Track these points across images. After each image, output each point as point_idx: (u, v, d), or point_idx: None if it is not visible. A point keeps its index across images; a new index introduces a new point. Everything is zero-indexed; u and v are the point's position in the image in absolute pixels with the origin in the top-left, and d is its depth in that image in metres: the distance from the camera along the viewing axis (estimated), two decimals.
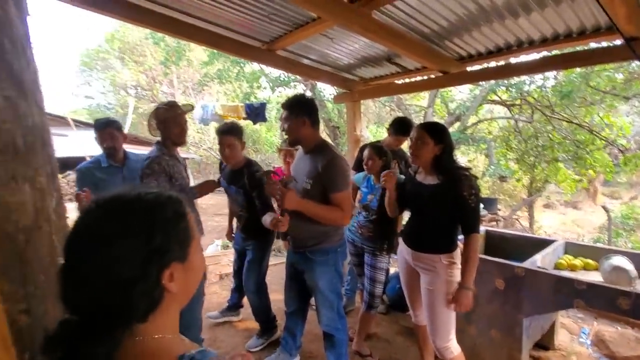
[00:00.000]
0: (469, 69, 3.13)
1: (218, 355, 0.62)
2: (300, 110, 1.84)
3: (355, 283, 3.15)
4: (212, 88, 14.09)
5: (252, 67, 10.25)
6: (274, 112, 11.35)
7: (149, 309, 0.59)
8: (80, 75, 24.93)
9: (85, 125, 10.54)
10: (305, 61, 3.52)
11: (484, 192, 12.69)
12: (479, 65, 3.11)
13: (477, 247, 1.76)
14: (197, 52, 12.22)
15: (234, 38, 3.06)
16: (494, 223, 3.25)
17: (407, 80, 3.60)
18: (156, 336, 0.60)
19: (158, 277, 0.58)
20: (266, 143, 19.66)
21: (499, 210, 3.37)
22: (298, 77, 8.84)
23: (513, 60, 3.06)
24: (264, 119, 4.10)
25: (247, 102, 4.41)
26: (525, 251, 2.69)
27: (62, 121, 9.32)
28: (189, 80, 18.61)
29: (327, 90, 9.98)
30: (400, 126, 2.87)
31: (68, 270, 0.56)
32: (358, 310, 3.14)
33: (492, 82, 8.77)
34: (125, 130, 3.02)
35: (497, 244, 2.95)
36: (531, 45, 2.79)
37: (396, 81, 3.69)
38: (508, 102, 9.28)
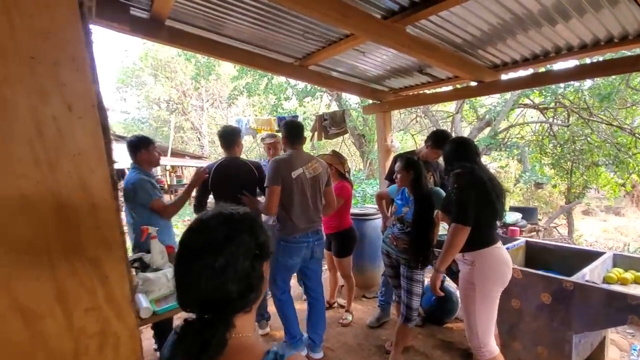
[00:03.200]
0: (503, 77, 3.08)
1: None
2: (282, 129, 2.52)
3: (390, 294, 3.14)
4: (240, 101, 14.50)
5: (279, 79, 10.50)
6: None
7: (256, 297, 0.75)
8: (117, 91, 26.38)
9: (120, 138, 11.19)
10: (335, 74, 3.58)
11: (517, 200, 12.24)
12: (513, 72, 3.06)
13: (457, 239, 1.88)
14: (226, 66, 12.64)
15: (267, 55, 3.17)
16: (534, 234, 3.14)
17: (438, 90, 3.58)
18: (247, 335, 0.73)
19: (261, 271, 0.75)
20: None
21: (539, 219, 3.25)
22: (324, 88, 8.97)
23: (550, 67, 2.99)
24: None
25: (279, 115, 4.54)
26: (570, 263, 2.59)
27: None
28: (217, 93, 19.24)
29: (352, 99, 10.03)
30: (440, 140, 2.83)
31: (198, 269, 0.69)
32: (393, 322, 3.12)
33: None
34: (169, 145, 3.15)
35: (539, 256, 2.85)
36: (570, 51, 2.72)
37: (426, 91, 3.69)
38: (541, 106, 8.96)
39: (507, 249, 2.70)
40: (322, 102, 10.87)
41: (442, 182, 2.98)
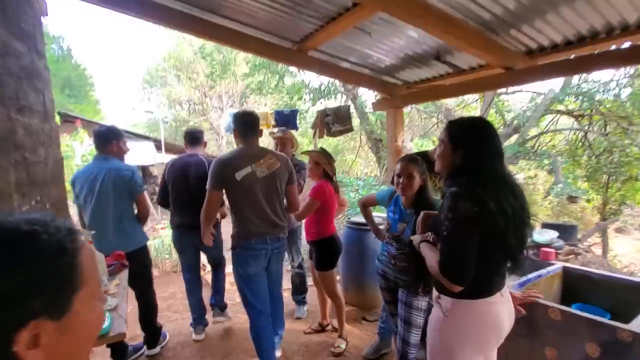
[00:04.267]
0: (540, 64, 2.55)
1: None
2: (233, 122, 2.22)
3: (391, 321, 2.63)
4: (254, 100, 14.29)
5: (295, 78, 10.18)
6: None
7: None
8: (142, 92, 27.02)
9: (139, 137, 11.22)
10: (341, 63, 3.14)
11: (544, 214, 11.37)
12: (555, 59, 2.51)
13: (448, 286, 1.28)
14: (243, 66, 12.46)
15: (261, 38, 2.78)
16: (571, 256, 2.57)
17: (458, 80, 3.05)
18: None
19: (7, 341, 0.41)
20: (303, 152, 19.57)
21: (579, 240, 2.69)
22: (340, 87, 8.54)
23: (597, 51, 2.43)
24: (294, 127, 3.78)
25: (277, 109, 4.12)
26: (622, 299, 2.02)
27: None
28: (234, 93, 19.19)
29: (369, 101, 9.56)
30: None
31: None
32: (394, 354, 2.61)
33: (556, 90, 7.82)
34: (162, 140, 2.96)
35: (579, 287, 2.28)
36: (625, 31, 2.17)
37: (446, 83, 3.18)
38: (576, 113, 8.20)
39: (540, 277, 2.16)
40: (338, 103, 10.46)
41: None
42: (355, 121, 8.79)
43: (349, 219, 3.59)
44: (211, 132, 24.58)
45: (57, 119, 6.21)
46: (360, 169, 18.86)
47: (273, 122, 3.77)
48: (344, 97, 9.13)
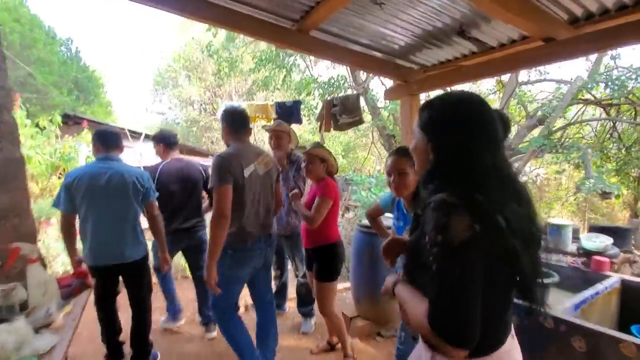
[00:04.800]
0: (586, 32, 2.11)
1: None
2: (221, 118, 2.09)
3: (411, 341, 2.25)
4: (262, 96, 14.01)
5: (303, 74, 9.81)
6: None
7: None
8: (155, 93, 27.15)
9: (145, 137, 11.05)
10: (348, 45, 2.76)
11: (569, 211, 10.74)
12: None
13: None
14: (250, 62, 12.18)
15: (256, 17, 2.43)
16: (626, 265, 2.14)
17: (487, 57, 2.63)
18: None
19: None
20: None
21: (634, 245, 2.26)
22: (350, 81, 8.13)
23: None
24: (298, 120, 3.43)
25: (278, 101, 3.77)
26: None
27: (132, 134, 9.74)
28: (243, 91, 18.96)
29: (380, 94, 9.12)
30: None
31: None
32: None
33: (584, 77, 7.23)
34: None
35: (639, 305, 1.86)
36: None
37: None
38: (604, 102, 7.59)
39: (597, 294, 1.75)
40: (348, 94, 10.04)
41: None
42: (367, 117, 8.37)
43: (360, 221, 3.22)
44: (221, 132, 24.46)
45: (59, 119, 6.04)
46: (372, 166, 18.45)
47: (274, 115, 3.42)
48: (354, 92, 8.71)
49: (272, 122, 3.41)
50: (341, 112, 3.14)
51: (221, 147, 22.92)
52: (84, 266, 1.71)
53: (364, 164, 18.27)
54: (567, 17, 2.12)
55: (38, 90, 11.08)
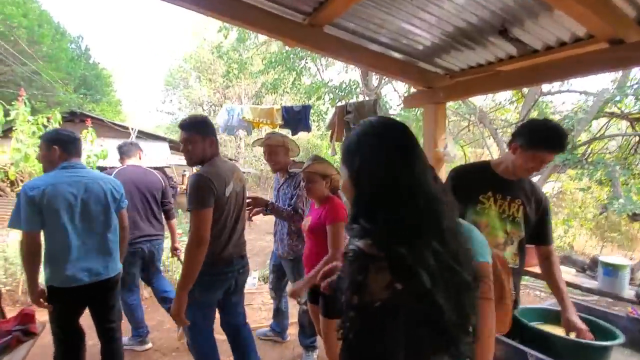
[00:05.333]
0: None
1: None
2: (202, 131, 1.83)
3: None
4: (271, 100, 13.74)
5: (314, 78, 9.52)
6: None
7: None
8: (165, 93, 27.25)
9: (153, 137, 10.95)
10: (365, 44, 2.42)
11: (587, 228, 10.23)
12: None
13: None
14: (259, 64, 11.95)
15: (263, 8, 2.10)
16: None
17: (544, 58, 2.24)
18: None
19: None
20: (326, 158, 18.90)
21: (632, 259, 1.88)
22: (361, 84, 7.79)
23: None
24: (306, 127, 3.09)
25: (285, 105, 3.43)
26: None
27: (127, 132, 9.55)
28: (250, 94, 18.80)
29: (393, 101, 8.77)
30: (545, 134, 1.55)
31: None
32: None
33: (611, 89, 6.80)
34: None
35: None
36: None
37: (505, 68, 2.39)
38: (632, 115, 7.13)
39: None
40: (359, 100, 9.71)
41: (538, 218, 1.72)
42: None
43: None
44: (230, 136, 24.43)
45: (59, 117, 5.77)
46: None
47: (280, 122, 3.07)
48: (366, 97, 8.36)
49: (277, 128, 3.07)
50: (355, 120, 2.79)
51: (229, 149, 22.73)
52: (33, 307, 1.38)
53: None
54: (635, 15, 1.74)
55: (44, 86, 10.96)
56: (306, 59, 8.07)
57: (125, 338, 2.83)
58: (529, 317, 1.76)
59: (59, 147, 1.89)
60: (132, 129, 9.12)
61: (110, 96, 20.53)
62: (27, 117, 4.95)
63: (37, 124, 5.22)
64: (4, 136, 4.54)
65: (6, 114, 4.62)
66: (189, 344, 2.00)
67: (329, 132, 3.08)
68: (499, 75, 2.32)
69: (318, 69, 9.00)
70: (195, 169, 2.16)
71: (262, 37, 9.66)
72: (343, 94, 7.71)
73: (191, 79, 25.75)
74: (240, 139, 23.73)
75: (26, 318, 1.30)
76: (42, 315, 1.60)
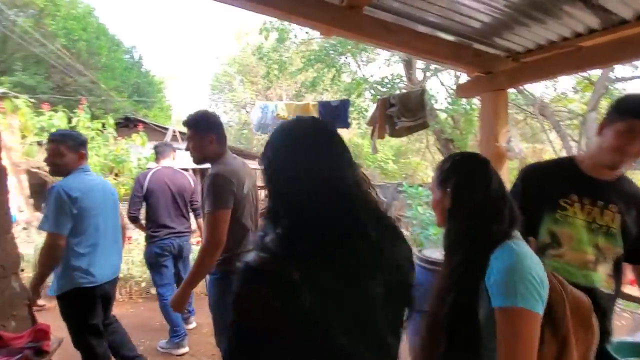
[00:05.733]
0: None
1: None
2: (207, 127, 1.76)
3: None
4: (308, 98, 13.65)
5: (354, 75, 9.24)
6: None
7: None
8: (212, 97, 28.41)
9: None
10: (410, 24, 2.13)
11: None
12: None
13: None
14: (298, 62, 11.94)
15: None
16: None
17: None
18: None
19: None
20: (368, 158, 18.54)
21: None
22: (403, 76, 7.36)
23: None
24: (345, 124, 2.84)
25: (322, 100, 3.19)
26: None
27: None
28: (290, 94, 18.89)
29: (440, 94, 8.23)
30: (635, 99, 1.23)
31: None
32: None
33: None
34: None
35: None
36: None
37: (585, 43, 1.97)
38: None
39: None
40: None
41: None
42: None
43: (420, 250, 2.55)
44: (264, 134, 24.82)
45: (112, 122, 6.11)
46: (425, 173, 17.33)
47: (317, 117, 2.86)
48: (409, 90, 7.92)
49: None
50: (400, 114, 2.49)
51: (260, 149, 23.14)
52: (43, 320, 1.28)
53: (416, 170, 17.18)
54: None
55: (102, 95, 11.78)
56: (346, 56, 7.80)
57: (163, 341, 2.85)
58: (625, 353, 1.39)
59: (84, 150, 1.94)
60: (173, 130, 9.43)
61: (162, 102, 21.71)
62: (87, 124, 5.47)
63: (94, 129, 5.61)
64: None
65: (69, 120, 5.29)
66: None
67: (370, 129, 2.80)
68: (579, 52, 1.91)
69: (358, 65, 8.71)
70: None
71: (302, 36, 9.57)
72: (385, 89, 7.34)
73: (235, 82, 26.59)
74: None
75: (40, 334, 1.21)
76: (57, 331, 1.58)
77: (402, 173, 20.71)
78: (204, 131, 1.72)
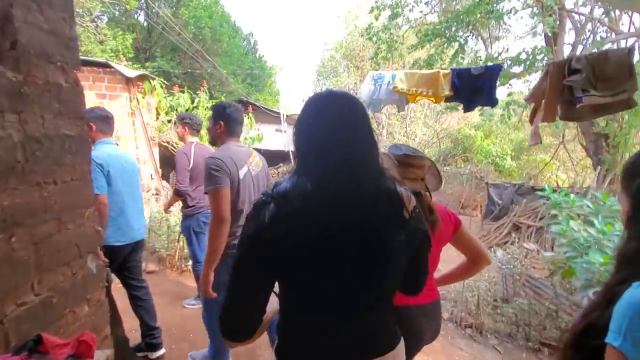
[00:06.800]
0: None
1: None
2: (217, 116, 1.97)
3: None
4: None
5: (476, 53, 7.87)
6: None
7: None
8: (317, 83, 29.06)
9: None
10: None
11: None
12: None
13: None
14: (412, 39, 10.91)
15: None
16: None
17: None
18: None
19: None
20: (480, 152, 16.42)
21: None
22: (546, 54, 5.87)
23: None
24: (490, 100, 2.06)
25: (457, 67, 2.37)
26: None
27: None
28: None
29: None
30: None
31: None
32: None
33: None
34: None
35: None
36: None
37: None
38: None
39: None
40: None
41: None
42: None
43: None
44: (372, 122, 24.12)
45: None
46: (555, 174, 14.57)
47: (448, 92, 2.14)
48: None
49: (442, 101, 2.16)
50: (588, 84, 1.59)
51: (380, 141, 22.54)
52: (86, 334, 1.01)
53: (543, 170, 14.56)
54: None
55: (220, 79, 12.77)
56: (473, 26, 6.49)
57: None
58: None
59: (103, 124, 2.18)
60: (282, 114, 9.57)
61: (272, 87, 22.91)
62: (206, 104, 5.99)
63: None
64: None
65: (192, 101, 5.93)
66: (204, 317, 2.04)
67: (530, 109, 1.95)
68: None
69: (484, 41, 7.33)
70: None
71: (418, 11, 8.58)
72: (522, 67, 5.95)
73: (340, 67, 26.49)
74: (383, 127, 22.94)
75: (82, 347, 0.93)
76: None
77: (523, 172, 17.81)
78: (215, 118, 1.93)
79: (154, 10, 11.99)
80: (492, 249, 8.87)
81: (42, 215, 1.17)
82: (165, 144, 6.26)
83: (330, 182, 0.77)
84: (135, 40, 11.51)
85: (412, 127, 21.45)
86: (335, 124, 0.81)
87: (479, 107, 2.61)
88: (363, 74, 23.76)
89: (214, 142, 2.04)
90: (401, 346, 0.91)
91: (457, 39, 6.46)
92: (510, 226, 9.18)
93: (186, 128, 2.99)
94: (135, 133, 5.76)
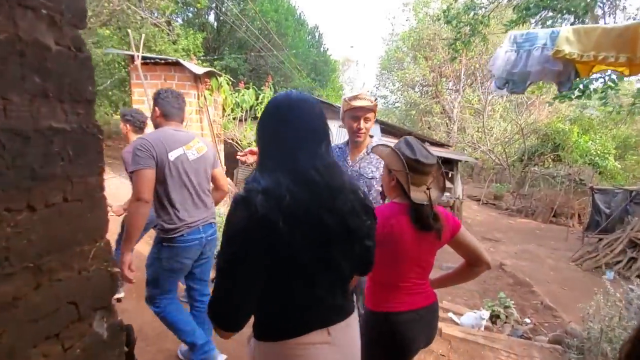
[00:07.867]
0: None
1: None
2: (154, 102, 2.04)
3: None
4: None
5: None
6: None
7: None
8: (380, 77, 27.96)
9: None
10: None
11: None
12: None
13: None
14: (497, 26, 9.51)
15: None
16: None
17: None
18: None
19: None
20: (576, 149, 14.07)
21: None
22: None
23: None
24: None
25: None
26: None
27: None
28: (479, 68, 15.97)
29: None
30: None
31: None
32: None
33: None
34: None
35: None
36: None
37: None
38: None
39: None
40: None
41: None
42: None
43: None
44: (442, 116, 22.43)
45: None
46: None
47: None
48: None
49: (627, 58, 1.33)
50: None
51: (438, 133, 20.93)
52: None
53: None
54: None
55: (286, 74, 12.57)
56: None
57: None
58: None
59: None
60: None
61: (335, 82, 22.42)
62: None
63: None
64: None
65: (257, 97, 5.70)
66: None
67: None
68: None
69: (604, 12, 5.87)
70: None
71: None
72: None
73: (407, 59, 25.06)
74: (454, 122, 21.14)
75: None
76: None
77: (629, 175, 14.98)
78: (154, 104, 1.99)
79: (222, 10, 12.15)
80: (602, 268, 7.29)
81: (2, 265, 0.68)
82: (230, 141, 6.17)
83: (306, 175, 0.90)
84: (205, 40, 11.78)
85: (489, 122, 19.38)
86: (300, 126, 0.95)
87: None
88: (432, 65, 22.11)
89: (155, 127, 2.07)
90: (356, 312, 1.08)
91: (575, 9, 5.12)
92: (626, 242, 7.49)
93: (128, 125, 2.72)
94: (202, 130, 5.67)
